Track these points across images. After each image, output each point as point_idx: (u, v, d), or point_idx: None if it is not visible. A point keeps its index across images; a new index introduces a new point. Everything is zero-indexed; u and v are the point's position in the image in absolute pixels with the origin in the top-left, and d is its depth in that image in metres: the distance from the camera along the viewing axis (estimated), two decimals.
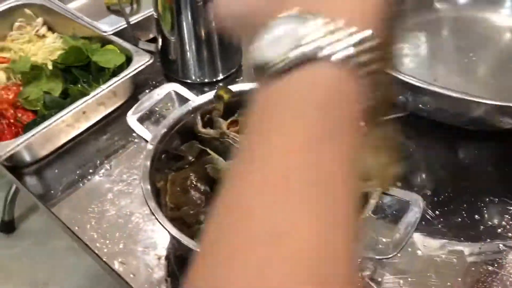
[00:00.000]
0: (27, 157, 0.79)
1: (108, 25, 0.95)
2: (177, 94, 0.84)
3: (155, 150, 0.66)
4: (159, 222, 0.59)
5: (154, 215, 0.60)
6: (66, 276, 1.57)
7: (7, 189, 1.69)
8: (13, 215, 1.71)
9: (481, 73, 0.89)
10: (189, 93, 0.75)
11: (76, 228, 0.72)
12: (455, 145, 0.82)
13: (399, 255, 0.56)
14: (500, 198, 0.73)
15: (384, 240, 0.64)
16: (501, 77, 0.87)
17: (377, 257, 0.54)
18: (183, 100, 0.88)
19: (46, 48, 0.95)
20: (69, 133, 0.82)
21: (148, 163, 0.63)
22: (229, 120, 0.70)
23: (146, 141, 0.68)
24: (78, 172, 0.79)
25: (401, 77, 0.71)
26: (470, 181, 0.76)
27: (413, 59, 0.92)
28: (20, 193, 1.68)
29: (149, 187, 0.62)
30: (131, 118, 0.71)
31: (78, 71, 0.86)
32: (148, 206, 0.60)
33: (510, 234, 0.69)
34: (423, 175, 0.79)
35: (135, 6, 1.13)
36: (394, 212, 0.69)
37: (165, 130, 0.68)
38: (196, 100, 0.72)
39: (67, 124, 0.81)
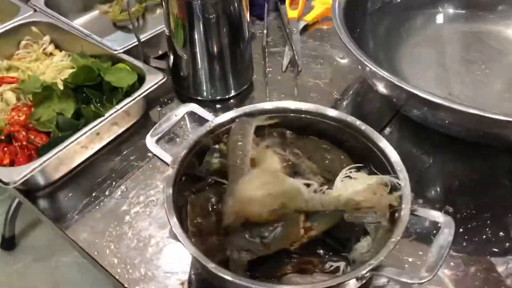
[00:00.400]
0: (41, 181, 0.77)
1: (117, 43, 0.94)
2: (191, 113, 0.83)
3: (176, 173, 0.65)
4: (182, 244, 0.57)
5: (178, 239, 0.58)
6: None
7: (8, 205, 1.66)
8: (14, 231, 1.69)
9: (496, 87, 0.89)
10: (207, 113, 0.74)
11: (96, 253, 0.70)
12: (472, 159, 0.82)
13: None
14: None
15: (415, 263, 0.64)
16: None
17: (410, 281, 0.53)
18: (196, 120, 0.88)
19: (54, 67, 0.94)
20: (83, 154, 0.81)
21: (170, 189, 0.62)
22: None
23: (166, 163, 0.67)
24: (93, 194, 0.78)
25: (416, 92, 0.70)
26: (490, 196, 0.76)
27: (425, 74, 0.92)
28: (22, 209, 1.66)
29: (173, 211, 0.61)
30: (150, 141, 0.69)
31: (90, 90, 0.85)
32: (173, 230, 0.59)
33: None
34: (442, 191, 0.78)
35: (141, 22, 1.13)
36: (424, 232, 0.68)
37: (186, 152, 0.67)
38: (215, 120, 0.71)
39: (81, 146, 0.79)
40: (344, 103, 0.93)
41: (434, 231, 0.70)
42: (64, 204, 0.77)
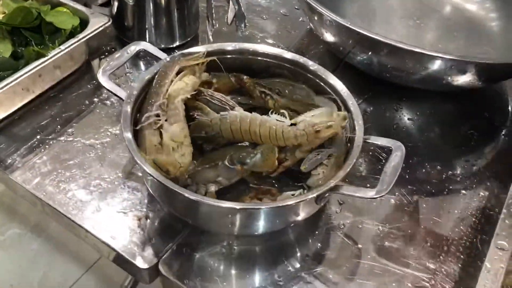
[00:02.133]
0: None
1: None
2: (141, 58, 0.81)
3: (133, 105, 0.63)
4: (140, 165, 0.56)
5: (136, 161, 0.57)
6: None
7: None
8: None
9: (428, 39, 0.96)
10: (159, 52, 0.72)
11: (43, 194, 0.67)
12: (407, 106, 0.87)
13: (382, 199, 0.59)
14: (456, 150, 0.80)
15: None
16: (447, 43, 0.94)
17: (367, 196, 0.57)
18: (147, 63, 0.86)
19: None
20: (24, 97, 0.76)
21: (129, 109, 0.61)
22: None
23: (120, 98, 0.65)
24: (37, 137, 0.74)
25: (367, 33, 0.74)
26: (427, 138, 0.82)
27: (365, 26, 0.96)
28: None
29: (130, 135, 0.59)
30: (102, 76, 0.67)
31: (29, 32, 0.80)
32: (130, 151, 0.58)
33: (468, 182, 0.75)
34: (383, 133, 0.82)
35: None
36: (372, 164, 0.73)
37: (143, 84, 0.66)
38: (169, 57, 0.70)
39: (22, 87, 0.75)
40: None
41: (379, 167, 0.75)
42: (6, 147, 0.72)
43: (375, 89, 0.88)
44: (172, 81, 0.66)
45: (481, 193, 0.73)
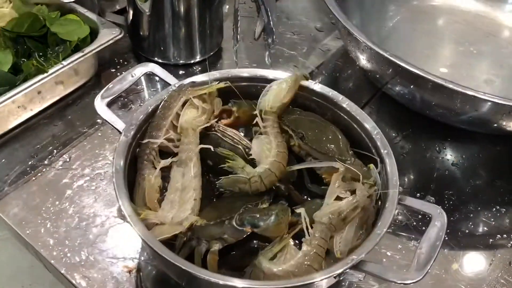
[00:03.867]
0: None
1: None
2: (150, 75, 0.73)
3: (129, 142, 0.55)
4: (131, 225, 0.48)
5: (125, 218, 0.49)
6: (4, 269, 1.42)
7: None
8: None
9: (481, 68, 0.83)
10: (169, 76, 0.64)
11: (27, 232, 0.60)
12: (454, 146, 0.76)
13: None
14: (506, 207, 0.68)
15: (394, 257, 0.57)
16: (501, 74, 0.81)
17: (399, 281, 0.46)
18: (155, 85, 0.78)
19: None
20: (19, 115, 0.69)
21: (121, 161, 0.52)
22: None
23: (118, 131, 0.57)
24: (30, 162, 0.67)
25: (408, 67, 0.63)
26: (472, 187, 0.70)
27: (411, 51, 0.85)
28: None
29: (123, 187, 0.51)
30: (100, 104, 0.59)
31: (33, 42, 0.73)
32: (120, 206, 0.49)
33: None
34: (423, 180, 0.72)
35: None
36: (403, 223, 0.62)
37: (142, 118, 0.57)
38: (177, 84, 0.61)
39: (18, 105, 0.68)
40: (321, 78, 0.85)
41: (414, 223, 0.64)
42: None
43: (416, 124, 0.77)
44: (177, 113, 0.58)
45: None
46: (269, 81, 0.62)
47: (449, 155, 0.74)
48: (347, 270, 0.47)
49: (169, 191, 0.55)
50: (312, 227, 0.51)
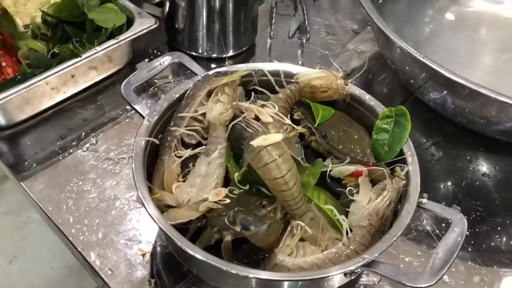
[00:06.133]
0: (2, 120, 0.68)
1: None
2: (181, 66, 0.73)
3: (152, 127, 0.56)
4: (148, 213, 0.48)
5: (143, 204, 0.49)
6: (36, 250, 1.46)
7: None
8: None
9: None
10: (196, 66, 0.64)
11: (50, 208, 0.61)
12: (487, 156, 0.73)
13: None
14: None
15: (412, 263, 0.56)
16: None
17: (410, 284, 0.45)
18: (187, 74, 0.78)
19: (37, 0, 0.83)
20: (53, 97, 0.71)
21: (143, 142, 0.53)
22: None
23: (142, 116, 0.58)
24: (59, 143, 0.69)
25: (442, 71, 0.61)
26: (502, 199, 0.67)
27: (446, 57, 0.82)
28: None
29: (141, 170, 0.51)
30: (127, 88, 0.60)
31: (71, 28, 0.75)
32: (137, 191, 0.50)
33: None
34: (450, 188, 0.69)
35: None
36: (425, 230, 0.60)
37: (166, 105, 0.58)
38: (204, 74, 0.61)
39: (52, 87, 0.70)
40: (353, 79, 0.83)
41: (437, 231, 0.62)
42: (24, 150, 0.68)
43: (448, 132, 0.75)
44: (201, 102, 0.58)
45: None
46: (292, 75, 0.62)
47: (481, 166, 0.72)
48: (359, 269, 0.46)
49: (192, 175, 0.55)
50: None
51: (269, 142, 0.49)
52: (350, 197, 0.51)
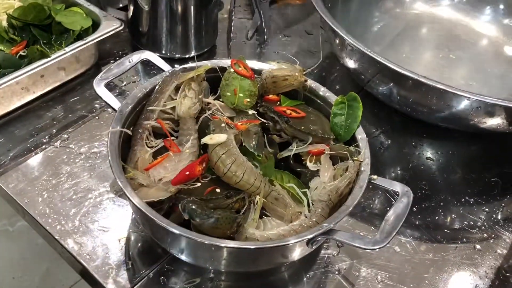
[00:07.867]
0: None
1: None
2: (146, 66, 0.78)
3: (125, 119, 0.60)
4: (126, 195, 0.52)
5: (123, 189, 0.53)
6: None
7: None
8: None
9: (458, 73, 0.89)
10: (163, 63, 0.69)
11: (26, 201, 0.64)
12: (430, 142, 0.81)
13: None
14: (474, 198, 0.72)
15: (367, 237, 0.62)
16: (478, 80, 0.87)
17: (364, 246, 0.51)
18: (152, 74, 0.82)
19: (1, 4, 0.85)
20: (23, 97, 0.74)
21: (117, 132, 0.57)
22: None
23: (114, 110, 0.62)
24: (31, 140, 0.71)
25: (389, 64, 0.68)
26: (444, 181, 0.75)
27: (392, 55, 0.90)
28: None
29: (116, 159, 0.55)
30: (99, 84, 0.64)
31: (38, 30, 0.78)
32: (114, 174, 0.53)
33: (485, 235, 0.68)
34: (398, 171, 0.76)
35: None
36: (377, 208, 0.66)
37: (137, 97, 0.62)
38: (171, 70, 0.66)
39: (22, 87, 0.72)
40: (309, 70, 0.90)
41: (388, 208, 0.69)
42: None
43: (395, 122, 0.82)
44: (169, 96, 0.62)
45: (498, 251, 0.66)
46: (256, 71, 0.67)
47: (425, 151, 0.79)
48: (320, 236, 0.51)
49: (165, 160, 0.58)
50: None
51: (214, 142, 0.55)
52: (312, 169, 0.57)
